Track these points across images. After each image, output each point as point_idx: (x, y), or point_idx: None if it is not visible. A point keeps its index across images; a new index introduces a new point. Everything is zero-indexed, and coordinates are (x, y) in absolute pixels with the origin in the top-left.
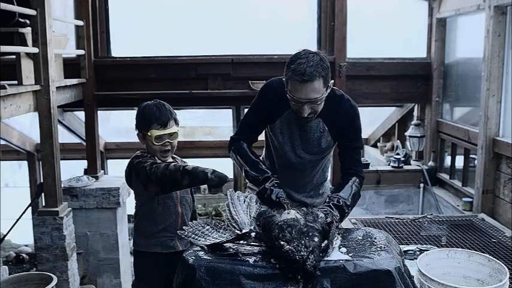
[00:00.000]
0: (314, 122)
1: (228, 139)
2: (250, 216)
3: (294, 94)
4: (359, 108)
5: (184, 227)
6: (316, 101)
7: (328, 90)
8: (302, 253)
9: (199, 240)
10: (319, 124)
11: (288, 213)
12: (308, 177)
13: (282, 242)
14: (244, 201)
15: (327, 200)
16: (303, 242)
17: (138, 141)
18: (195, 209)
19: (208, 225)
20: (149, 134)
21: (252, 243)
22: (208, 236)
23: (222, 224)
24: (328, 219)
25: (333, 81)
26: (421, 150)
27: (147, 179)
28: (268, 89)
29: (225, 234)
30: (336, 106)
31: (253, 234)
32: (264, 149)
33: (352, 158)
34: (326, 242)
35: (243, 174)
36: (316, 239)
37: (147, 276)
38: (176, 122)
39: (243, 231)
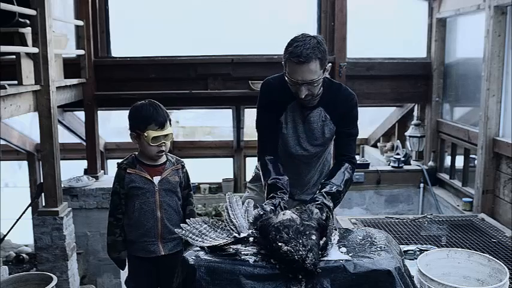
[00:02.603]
0: (316, 112)
1: (228, 139)
2: (248, 220)
3: (292, 76)
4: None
5: (182, 225)
6: (313, 83)
7: (326, 74)
8: (300, 252)
9: (197, 240)
10: (321, 113)
11: (284, 214)
12: (312, 171)
13: (279, 244)
14: (242, 206)
15: (319, 188)
16: (300, 241)
17: None
18: (189, 212)
19: (206, 223)
20: (146, 134)
21: (251, 247)
22: (206, 235)
23: (220, 223)
24: (324, 215)
25: (330, 64)
26: (421, 150)
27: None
28: (268, 86)
29: (222, 234)
30: (335, 94)
31: (251, 239)
32: None
33: (347, 145)
34: (324, 239)
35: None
36: (313, 237)
37: (136, 276)
38: (170, 123)
39: (241, 235)
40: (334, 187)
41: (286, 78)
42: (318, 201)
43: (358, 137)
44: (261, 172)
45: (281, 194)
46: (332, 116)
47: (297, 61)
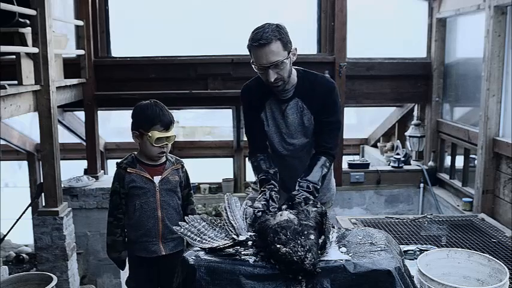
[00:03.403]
0: (292, 103)
1: (228, 139)
2: (246, 221)
3: (257, 61)
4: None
5: (180, 223)
6: (279, 65)
7: (294, 58)
8: (299, 253)
9: (196, 240)
10: (298, 103)
11: (281, 214)
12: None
13: (278, 246)
14: (241, 207)
15: (297, 186)
16: (299, 242)
17: None
18: (190, 212)
19: (204, 221)
20: (150, 134)
21: (251, 248)
22: (205, 234)
23: (219, 221)
24: (319, 210)
25: (296, 47)
26: (421, 150)
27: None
28: (246, 90)
29: (221, 233)
30: (312, 83)
31: (249, 242)
32: None
33: (324, 134)
34: (323, 237)
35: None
36: (312, 237)
37: (137, 276)
38: (173, 125)
39: (240, 238)
40: (311, 185)
41: (253, 67)
42: (301, 194)
43: (358, 137)
44: (253, 171)
45: (270, 186)
46: (310, 105)
47: (258, 44)
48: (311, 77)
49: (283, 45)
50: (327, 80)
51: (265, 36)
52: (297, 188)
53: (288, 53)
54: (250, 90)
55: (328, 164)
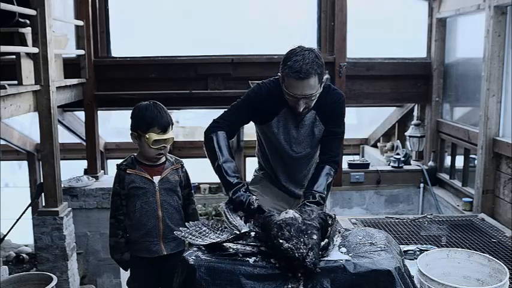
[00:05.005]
0: (309, 115)
1: None
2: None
3: (291, 90)
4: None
5: (181, 228)
6: (311, 97)
7: (322, 85)
8: (301, 250)
9: (197, 240)
10: (312, 115)
11: (286, 212)
12: (304, 170)
13: (281, 241)
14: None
15: (302, 199)
16: (301, 239)
17: None
18: (192, 211)
19: (205, 226)
20: (147, 136)
21: (251, 243)
22: (206, 236)
23: (220, 225)
24: (325, 213)
25: (326, 77)
26: (421, 150)
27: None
28: (262, 93)
29: (222, 235)
30: (325, 96)
31: (252, 234)
32: (257, 147)
33: (330, 143)
34: (326, 240)
35: (213, 165)
36: (314, 237)
37: (138, 276)
38: (172, 127)
39: (243, 230)
40: (317, 194)
41: (284, 91)
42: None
43: (358, 137)
44: (216, 144)
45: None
46: (321, 117)
47: (297, 77)
48: (325, 89)
49: (319, 79)
50: (337, 92)
51: (305, 69)
52: (302, 199)
53: (321, 85)
54: (268, 95)
55: (332, 173)
